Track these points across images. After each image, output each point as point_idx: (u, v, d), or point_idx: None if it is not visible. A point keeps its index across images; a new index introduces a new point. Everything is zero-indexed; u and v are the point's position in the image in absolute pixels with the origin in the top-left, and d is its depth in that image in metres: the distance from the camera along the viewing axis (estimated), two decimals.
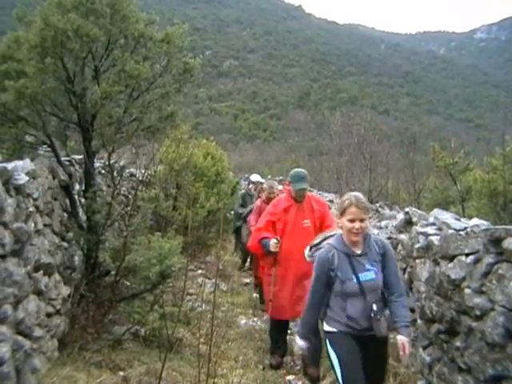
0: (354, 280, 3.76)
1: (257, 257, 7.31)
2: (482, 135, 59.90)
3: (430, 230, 5.29)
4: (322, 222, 6.10)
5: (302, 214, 6.07)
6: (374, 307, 3.77)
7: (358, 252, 3.85)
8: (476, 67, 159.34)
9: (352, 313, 3.80)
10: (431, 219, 5.48)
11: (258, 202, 9.14)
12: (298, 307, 5.42)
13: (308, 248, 4.45)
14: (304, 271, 5.43)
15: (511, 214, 9.20)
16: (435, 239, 5.01)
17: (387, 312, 3.93)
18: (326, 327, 4.01)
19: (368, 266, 3.81)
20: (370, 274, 3.79)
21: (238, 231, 12.30)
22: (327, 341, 3.98)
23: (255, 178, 12.97)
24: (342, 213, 3.80)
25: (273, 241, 5.85)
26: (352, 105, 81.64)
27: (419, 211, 6.15)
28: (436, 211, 5.59)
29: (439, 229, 5.18)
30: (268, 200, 8.07)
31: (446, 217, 5.24)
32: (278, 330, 6.37)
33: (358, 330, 3.82)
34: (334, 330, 3.91)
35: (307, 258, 4.43)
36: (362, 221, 3.73)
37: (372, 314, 3.76)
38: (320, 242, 4.27)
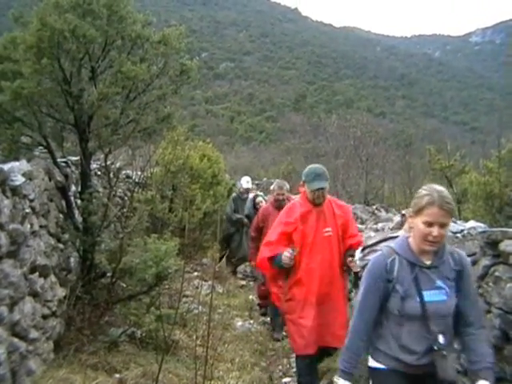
0: (417, 298, 2.92)
1: (268, 279, 5.70)
2: (478, 138, 60.12)
3: None
4: (345, 230, 5.13)
5: (323, 220, 5.05)
6: (441, 339, 2.92)
7: (428, 263, 2.98)
8: (471, 70, 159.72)
9: (407, 342, 2.97)
10: None
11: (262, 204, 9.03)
12: (327, 336, 4.89)
13: (360, 249, 3.77)
14: (328, 292, 4.90)
15: (507, 217, 9.23)
16: None
17: (457, 347, 3.21)
18: (371, 362, 3.18)
19: (439, 283, 2.95)
20: (439, 294, 2.94)
21: (228, 239, 11.42)
22: (371, 382, 3.21)
23: (244, 182, 11.62)
24: (418, 212, 2.89)
25: (286, 253, 4.79)
26: (348, 107, 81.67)
27: None
28: None
29: None
30: (277, 204, 7.45)
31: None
32: (308, 371, 5.05)
33: (414, 367, 2.99)
34: (382, 366, 3.10)
35: (357, 263, 3.77)
36: (442, 226, 2.84)
37: (436, 347, 2.91)
38: (376, 243, 3.53)
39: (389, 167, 19.25)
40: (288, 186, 7.91)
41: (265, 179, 32.26)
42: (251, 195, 10.87)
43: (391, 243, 3.16)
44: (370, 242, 3.62)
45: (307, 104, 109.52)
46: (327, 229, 5.02)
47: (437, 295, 2.92)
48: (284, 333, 7.14)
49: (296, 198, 5.49)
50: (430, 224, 2.82)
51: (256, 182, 26.15)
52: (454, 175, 13.60)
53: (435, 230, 2.81)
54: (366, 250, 3.60)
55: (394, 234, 3.41)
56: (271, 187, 8.71)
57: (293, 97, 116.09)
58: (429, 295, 2.91)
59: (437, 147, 15.34)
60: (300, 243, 4.92)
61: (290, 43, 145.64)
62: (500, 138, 11.38)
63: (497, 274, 3.79)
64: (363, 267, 3.33)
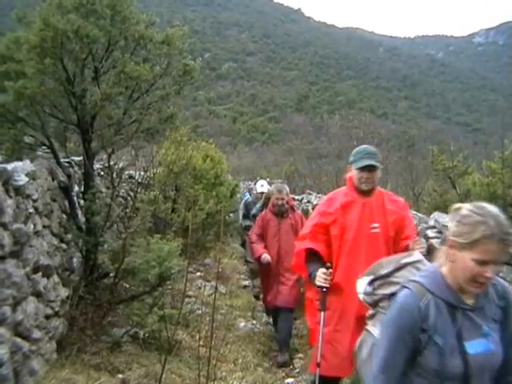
0: (460, 352, 2.13)
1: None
2: (480, 139, 60.01)
3: (430, 232, 5.29)
4: (400, 230, 4.21)
5: (369, 214, 4.18)
6: None
7: (471, 303, 2.20)
8: (474, 71, 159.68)
9: None
10: (431, 222, 5.48)
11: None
12: None
13: (365, 279, 2.74)
14: None
15: (510, 218, 9.18)
16: (436, 242, 5.01)
17: None
18: None
19: (485, 329, 2.18)
20: (487, 343, 2.16)
21: (244, 246, 10.86)
22: None
23: (259, 186, 10.66)
24: (468, 245, 2.06)
25: (320, 272, 4.04)
26: (350, 108, 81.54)
27: (419, 214, 6.15)
28: (436, 214, 5.59)
29: (439, 232, 5.17)
30: (276, 209, 6.98)
31: (447, 220, 5.23)
32: None
33: None
34: None
35: (363, 298, 2.76)
36: (496, 263, 2.09)
37: None
38: (391, 273, 2.60)
39: (391, 168, 19.19)
40: (288, 188, 7.39)
41: (267, 179, 32.30)
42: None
43: (415, 275, 2.35)
44: (381, 272, 2.64)
45: (310, 105, 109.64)
46: (374, 224, 4.14)
47: (484, 345, 2.15)
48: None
49: (340, 189, 4.52)
50: (483, 263, 2.05)
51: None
52: (457, 176, 13.56)
53: (489, 271, 2.05)
54: (378, 282, 2.64)
55: (411, 259, 2.64)
56: (270, 189, 8.47)
57: (295, 97, 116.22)
58: (474, 346, 2.14)
59: (440, 148, 15.30)
60: (338, 239, 4.16)
61: (292, 44, 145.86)
62: (503, 138, 11.34)
63: (501, 274, 3.78)
64: (373, 304, 2.67)
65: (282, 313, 6.76)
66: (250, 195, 12.97)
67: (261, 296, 8.16)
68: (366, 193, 4.21)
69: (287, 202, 7.02)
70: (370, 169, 4.13)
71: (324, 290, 4.05)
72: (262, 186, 10.44)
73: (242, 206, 11.01)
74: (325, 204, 4.38)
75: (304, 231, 4.43)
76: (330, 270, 4.05)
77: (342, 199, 4.25)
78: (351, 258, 4.09)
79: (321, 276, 4.03)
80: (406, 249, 3.84)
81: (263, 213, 7.37)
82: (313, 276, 4.12)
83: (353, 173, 4.24)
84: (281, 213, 7.00)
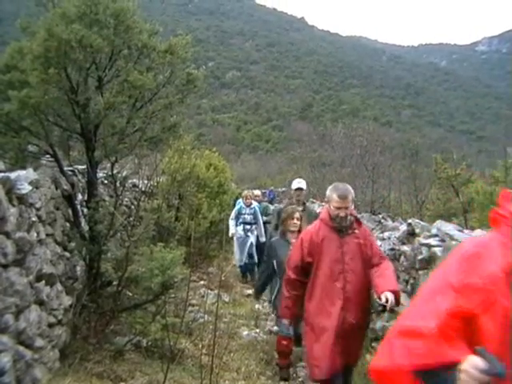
0: None
1: None
2: (484, 147, 60.05)
3: (432, 241, 5.28)
4: None
5: None
6: None
7: None
8: (477, 79, 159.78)
9: None
10: (434, 230, 5.48)
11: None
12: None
13: None
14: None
15: None
16: (438, 250, 5.01)
17: None
18: None
19: None
20: None
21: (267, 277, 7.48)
22: None
23: (296, 183, 8.12)
24: None
25: (472, 369, 1.61)
26: (354, 116, 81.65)
27: (422, 222, 6.15)
28: (439, 222, 5.59)
29: (442, 240, 5.17)
30: (336, 222, 4.62)
31: (449, 228, 5.24)
32: None
33: None
34: None
35: None
36: None
37: None
38: None
39: (395, 176, 19.15)
40: (353, 193, 4.84)
41: (271, 188, 32.30)
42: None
43: None
44: None
45: (313, 113, 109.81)
46: None
47: None
48: None
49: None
50: None
51: (263, 190, 26.13)
52: (461, 184, 13.56)
53: None
54: None
55: None
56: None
57: (299, 106, 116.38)
58: None
59: (443, 156, 15.30)
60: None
61: (296, 52, 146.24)
62: (506, 147, 11.36)
63: None
64: None
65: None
66: (259, 203, 13.16)
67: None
68: None
69: (351, 214, 4.70)
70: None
71: None
72: (300, 183, 8.02)
73: (274, 213, 8.83)
74: (459, 266, 1.97)
75: (422, 322, 1.90)
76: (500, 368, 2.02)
77: (500, 258, 1.92)
78: None
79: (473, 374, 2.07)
80: None
81: (310, 229, 4.86)
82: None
83: None
84: (344, 229, 4.64)
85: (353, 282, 4.46)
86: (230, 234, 12.02)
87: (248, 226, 11.87)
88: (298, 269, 4.74)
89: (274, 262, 6.14)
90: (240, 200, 12.46)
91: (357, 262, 4.52)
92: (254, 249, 11.79)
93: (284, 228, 6.26)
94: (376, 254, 4.62)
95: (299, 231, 5.86)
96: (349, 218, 4.59)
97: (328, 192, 4.75)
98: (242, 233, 11.79)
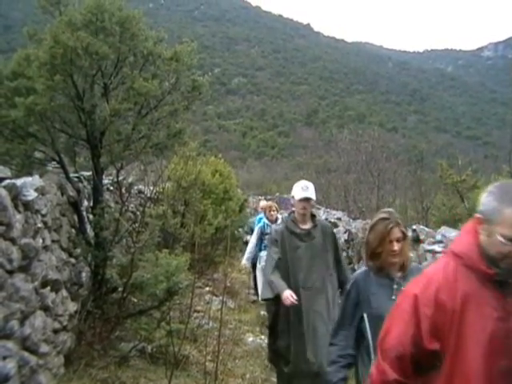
0: None
1: None
2: (490, 152, 59.88)
3: (437, 247, 5.28)
4: None
5: None
6: None
7: None
8: (483, 85, 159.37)
9: None
10: (438, 237, 5.47)
11: None
12: None
13: None
14: None
15: None
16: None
17: None
18: None
19: None
20: None
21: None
22: None
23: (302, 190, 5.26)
24: None
25: None
26: (360, 122, 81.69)
27: (427, 229, 6.15)
28: (443, 229, 5.59)
29: (447, 246, 5.16)
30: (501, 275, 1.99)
31: (454, 234, 5.23)
32: None
33: None
34: None
35: None
36: None
37: None
38: None
39: (400, 182, 19.20)
40: None
41: (277, 194, 32.24)
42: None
43: None
44: None
45: (319, 119, 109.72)
46: None
47: None
48: None
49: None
50: None
51: (268, 197, 26.03)
52: (466, 190, 13.54)
53: None
54: None
55: None
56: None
57: (305, 112, 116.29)
58: None
59: (449, 162, 15.30)
60: None
61: (301, 59, 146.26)
62: (511, 152, 11.33)
63: None
64: None
65: None
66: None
67: None
68: None
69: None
70: None
71: None
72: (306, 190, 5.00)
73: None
74: None
75: None
76: None
77: None
78: None
79: None
80: None
81: (435, 273, 2.15)
82: None
83: None
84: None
85: None
86: (242, 263, 9.53)
87: None
88: (407, 362, 2.12)
89: (365, 315, 3.15)
90: (261, 214, 9.90)
91: None
92: None
93: (376, 260, 3.20)
94: None
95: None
96: None
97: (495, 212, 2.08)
98: None
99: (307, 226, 4.95)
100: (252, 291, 11.27)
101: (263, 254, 8.33)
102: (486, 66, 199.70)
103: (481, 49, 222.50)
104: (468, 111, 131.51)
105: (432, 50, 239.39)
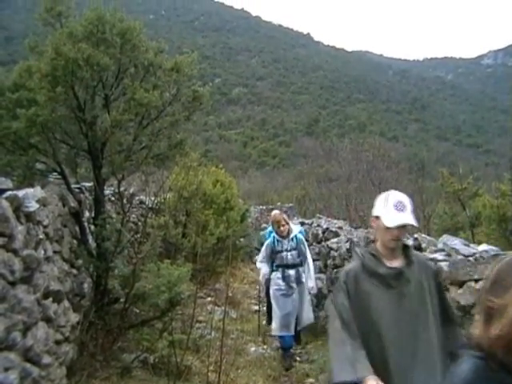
0: None
1: None
2: (491, 160, 59.86)
3: (439, 255, 5.26)
4: None
5: None
6: None
7: None
8: (484, 93, 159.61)
9: None
10: (440, 245, 5.47)
11: None
12: None
13: None
14: None
15: None
16: (444, 265, 4.99)
17: None
18: None
19: None
20: None
21: None
22: None
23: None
24: None
25: None
26: (361, 131, 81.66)
27: (428, 237, 6.14)
28: (445, 237, 5.58)
29: (448, 255, 5.15)
30: None
31: (455, 242, 5.22)
32: None
33: None
34: None
35: None
36: None
37: None
38: None
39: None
40: None
41: (278, 204, 32.24)
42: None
43: None
44: None
45: (320, 128, 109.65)
46: None
47: None
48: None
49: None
50: None
51: (269, 206, 26.04)
52: (468, 198, 13.55)
53: None
54: None
55: None
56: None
57: (305, 121, 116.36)
58: None
59: (450, 170, 15.31)
60: None
61: (302, 68, 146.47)
62: None
63: None
64: None
65: None
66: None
67: None
68: None
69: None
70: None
71: None
72: (404, 217, 3.38)
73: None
74: None
75: None
76: None
77: None
78: None
79: None
80: None
81: None
82: None
83: None
84: None
85: None
86: (260, 278, 8.20)
87: (291, 272, 7.61)
88: None
89: None
90: (269, 228, 8.45)
91: None
92: (308, 307, 7.80)
93: None
94: None
95: None
96: None
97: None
98: (281, 283, 7.60)
99: (397, 263, 3.21)
100: (254, 301, 11.27)
101: (274, 275, 7.64)
102: (486, 74, 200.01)
103: (481, 57, 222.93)
104: (468, 119, 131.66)
105: (432, 59, 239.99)
